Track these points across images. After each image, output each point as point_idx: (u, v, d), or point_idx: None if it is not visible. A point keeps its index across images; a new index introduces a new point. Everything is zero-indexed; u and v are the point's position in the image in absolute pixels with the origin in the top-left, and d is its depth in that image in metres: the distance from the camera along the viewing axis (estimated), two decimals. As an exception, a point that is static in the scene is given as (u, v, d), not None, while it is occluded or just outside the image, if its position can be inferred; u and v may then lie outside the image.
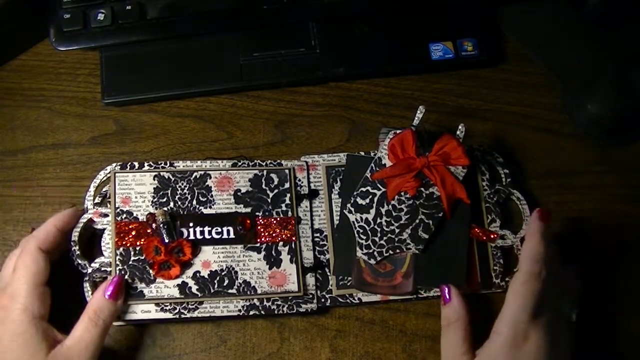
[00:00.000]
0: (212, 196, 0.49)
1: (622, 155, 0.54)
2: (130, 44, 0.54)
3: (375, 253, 0.48)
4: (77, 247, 0.47)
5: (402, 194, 0.48)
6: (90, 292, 0.47)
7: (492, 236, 0.50)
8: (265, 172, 0.50)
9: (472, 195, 0.49)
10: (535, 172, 0.53)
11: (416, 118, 0.49)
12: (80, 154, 0.53)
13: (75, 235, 0.48)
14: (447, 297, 0.46)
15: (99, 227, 0.48)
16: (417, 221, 0.48)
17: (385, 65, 0.55)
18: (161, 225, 0.47)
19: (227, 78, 0.54)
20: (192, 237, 0.48)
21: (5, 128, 0.54)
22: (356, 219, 0.49)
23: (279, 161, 0.51)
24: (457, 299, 0.46)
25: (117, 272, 0.47)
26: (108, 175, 0.49)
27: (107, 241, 0.48)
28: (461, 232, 0.49)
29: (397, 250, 0.48)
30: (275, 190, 0.50)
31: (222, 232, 0.48)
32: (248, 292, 0.47)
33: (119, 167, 0.49)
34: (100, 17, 0.53)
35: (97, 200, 0.49)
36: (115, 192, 0.48)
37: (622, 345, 0.49)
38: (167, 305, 0.47)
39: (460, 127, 0.49)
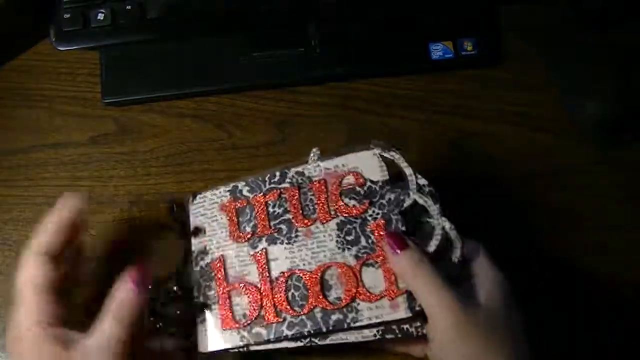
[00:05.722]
0: None
1: (622, 155, 0.54)
2: (130, 44, 0.54)
3: None
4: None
5: None
6: None
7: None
8: None
9: None
10: (534, 172, 0.53)
11: None
12: (80, 154, 0.53)
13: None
14: (397, 246, 0.39)
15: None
16: None
17: (385, 65, 0.55)
18: None
19: (227, 78, 0.54)
20: None
21: (5, 128, 0.54)
22: None
23: None
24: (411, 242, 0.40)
25: None
26: None
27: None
28: None
29: None
30: None
31: None
32: None
33: None
34: (100, 17, 0.54)
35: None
36: None
37: (625, 345, 0.49)
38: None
39: None
